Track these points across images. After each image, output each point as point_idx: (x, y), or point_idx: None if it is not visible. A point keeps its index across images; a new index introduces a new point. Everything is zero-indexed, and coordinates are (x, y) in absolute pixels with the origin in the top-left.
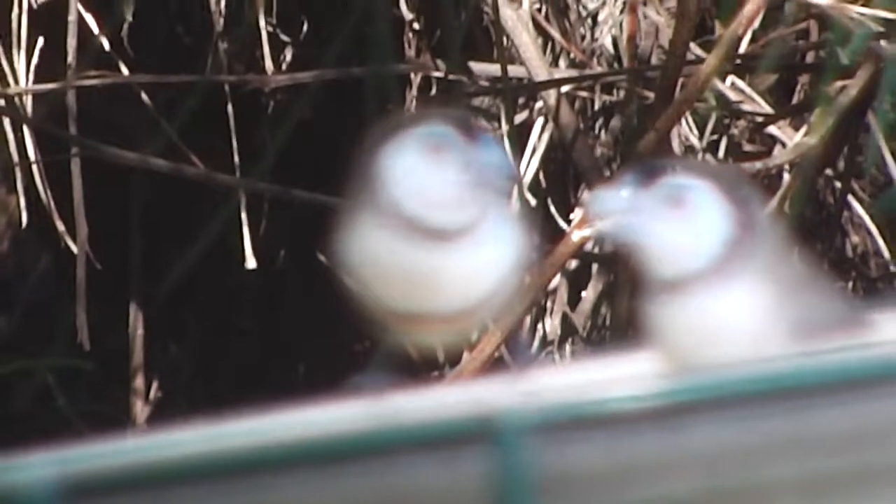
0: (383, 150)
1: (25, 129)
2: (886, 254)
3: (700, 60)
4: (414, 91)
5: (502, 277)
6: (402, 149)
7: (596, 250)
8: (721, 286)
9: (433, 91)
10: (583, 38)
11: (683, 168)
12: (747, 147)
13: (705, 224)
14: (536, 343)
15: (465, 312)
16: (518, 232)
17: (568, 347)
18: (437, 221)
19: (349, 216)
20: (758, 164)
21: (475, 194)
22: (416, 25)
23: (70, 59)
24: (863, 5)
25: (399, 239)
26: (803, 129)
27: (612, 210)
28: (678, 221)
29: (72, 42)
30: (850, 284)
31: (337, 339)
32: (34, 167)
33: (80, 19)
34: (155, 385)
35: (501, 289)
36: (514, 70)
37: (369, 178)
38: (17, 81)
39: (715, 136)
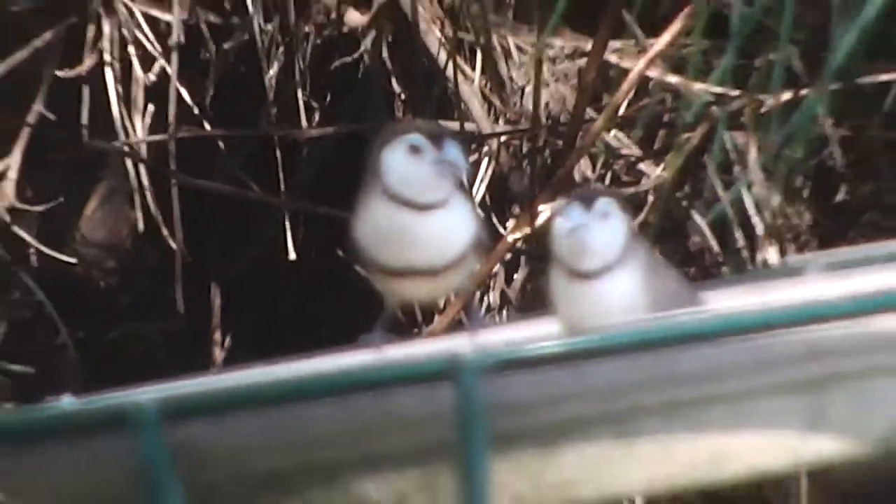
0: (381, 149)
1: (142, 167)
2: (717, 249)
3: (593, 120)
4: None
5: (466, 240)
6: (392, 149)
7: (524, 247)
8: (621, 273)
9: None
10: (514, 104)
11: (603, 192)
12: (624, 178)
13: (619, 231)
14: (484, 310)
15: (442, 268)
16: (474, 209)
17: (505, 313)
18: (417, 198)
19: (359, 202)
20: (631, 190)
21: (442, 180)
22: (402, 96)
23: (171, 118)
24: (701, 83)
25: (392, 210)
26: (661, 166)
27: (572, 220)
28: (606, 229)
29: (172, 107)
30: (692, 272)
31: (351, 310)
32: (147, 193)
33: (178, 92)
34: (228, 339)
35: (467, 250)
36: (469, 125)
37: (373, 171)
38: (135, 134)
39: (603, 171)
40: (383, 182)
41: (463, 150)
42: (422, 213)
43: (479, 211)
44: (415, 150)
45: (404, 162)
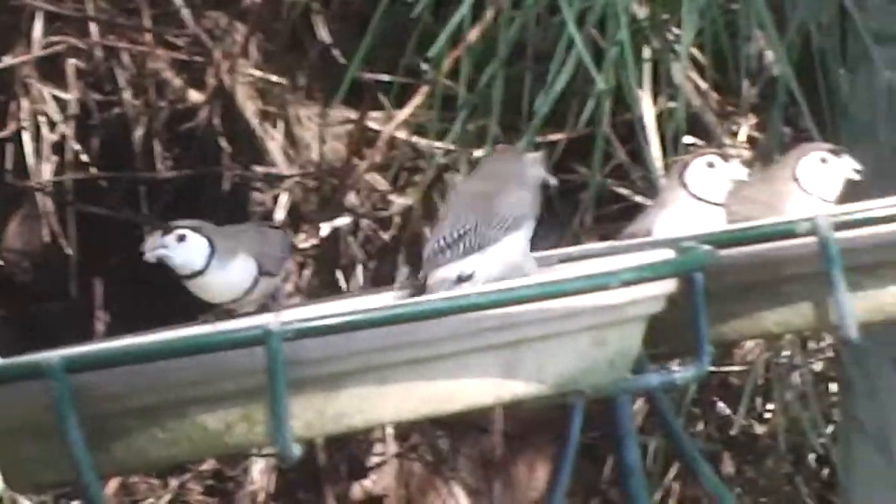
0: None
1: (48, 198)
2: None
3: (358, 166)
4: None
5: (246, 284)
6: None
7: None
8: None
9: None
10: (304, 155)
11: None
12: (378, 206)
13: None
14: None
15: (235, 302)
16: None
17: (297, 299)
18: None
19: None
20: (385, 213)
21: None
22: (228, 150)
23: (68, 165)
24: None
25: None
26: (404, 198)
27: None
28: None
29: (69, 157)
30: None
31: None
32: (51, 215)
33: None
34: (107, 316)
35: (250, 287)
36: (273, 170)
37: None
38: (44, 175)
39: (364, 201)
40: None
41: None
42: (191, 280)
43: (281, 227)
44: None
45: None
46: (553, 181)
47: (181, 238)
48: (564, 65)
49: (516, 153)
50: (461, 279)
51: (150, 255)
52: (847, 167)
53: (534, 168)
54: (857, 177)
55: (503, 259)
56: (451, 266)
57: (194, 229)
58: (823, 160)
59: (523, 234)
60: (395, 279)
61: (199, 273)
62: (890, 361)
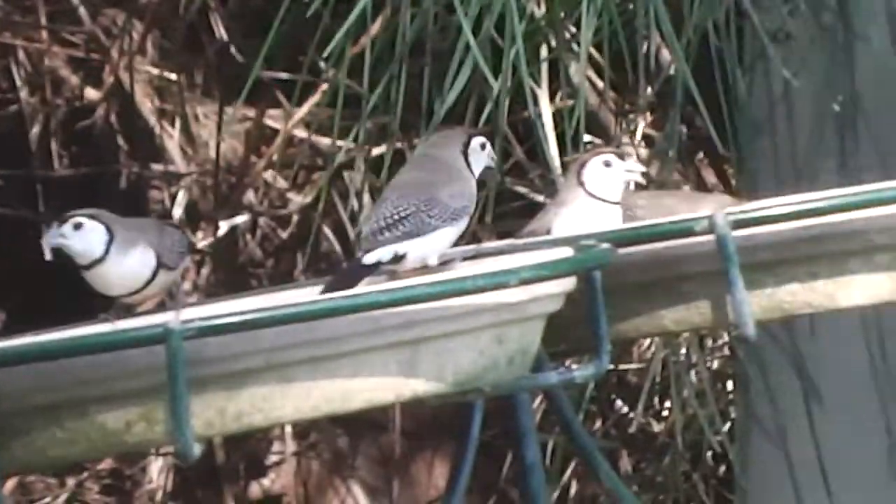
0: None
1: None
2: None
3: (255, 163)
4: None
5: (145, 275)
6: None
7: (208, 250)
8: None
9: None
10: (201, 152)
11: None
12: (276, 203)
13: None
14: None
15: (135, 293)
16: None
17: (195, 297)
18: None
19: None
20: (283, 211)
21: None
22: (125, 147)
23: None
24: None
25: None
26: (303, 195)
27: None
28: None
29: None
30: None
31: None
32: None
33: None
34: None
35: (149, 278)
36: (171, 167)
37: None
38: None
39: (261, 199)
40: None
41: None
42: (90, 270)
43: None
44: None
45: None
46: (492, 165)
47: (78, 226)
48: (462, 64)
49: (460, 137)
50: (396, 259)
51: (48, 246)
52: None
53: (478, 155)
54: (641, 179)
55: (437, 248)
56: (387, 248)
57: (91, 217)
58: (607, 163)
59: (459, 227)
60: (293, 278)
61: (99, 261)
62: (786, 359)
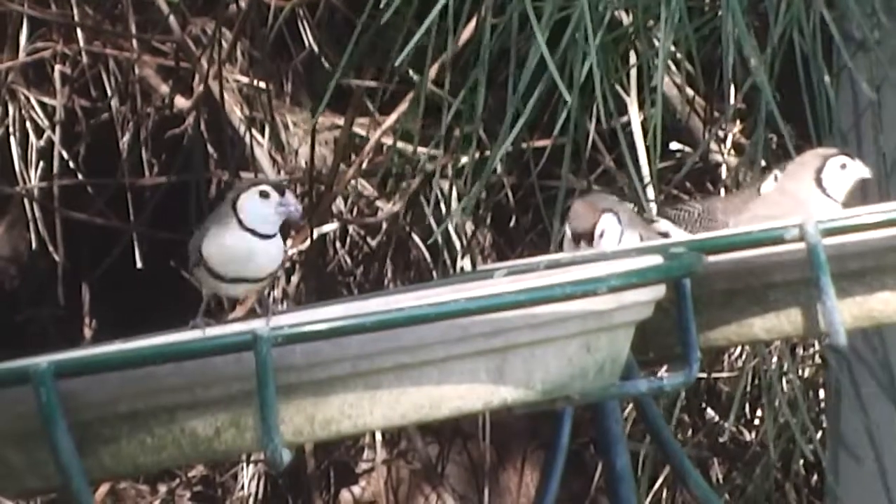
0: (237, 195)
1: (35, 204)
2: (429, 260)
3: (344, 171)
4: None
5: (280, 260)
6: (248, 195)
7: (300, 257)
8: None
9: None
10: (291, 161)
11: None
12: (365, 211)
13: None
14: (271, 301)
15: (264, 278)
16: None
17: (285, 304)
18: (262, 230)
19: (210, 230)
20: (371, 219)
21: (280, 218)
22: (214, 156)
23: (55, 170)
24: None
25: (244, 237)
26: (392, 203)
27: None
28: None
29: (56, 163)
30: (411, 276)
31: (180, 302)
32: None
33: (60, 152)
34: (94, 322)
35: (279, 267)
36: (261, 176)
37: (226, 210)
38: (30, 181)
39: (350, 206)
40: (238, 217)
41: (296, 199)
42: (263, 241)
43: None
44: (264, 195)
45: (258, 204)
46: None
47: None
48: (542, 72)
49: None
50: None
51: (280, 217)
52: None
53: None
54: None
55: None
56: None
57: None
58: (843, 165)
59: None
60: (383, 285)
61: (273, 235)
62: (877, 368)
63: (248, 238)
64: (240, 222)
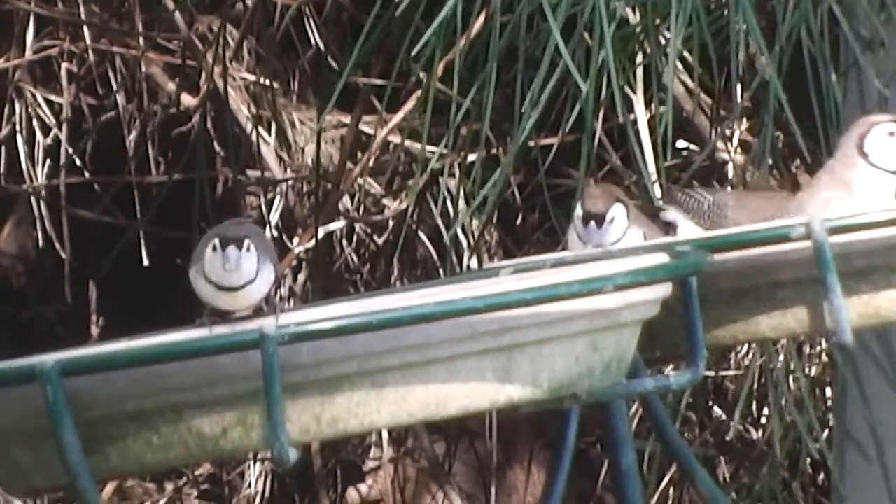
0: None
1: (41, 201)
2: (436, 259)
3: (351, 170)
4: None
5: (266, 288)
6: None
7: (305, 256)
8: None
9: None
10: (297, 159)
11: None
12: (372, 209)
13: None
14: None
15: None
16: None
17: (292, 303)
18: (225, 282)
19: (193, 258)
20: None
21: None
22: (221, 153)
23: (62, 168)
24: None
25: (206, 286)
26: (398, 201)
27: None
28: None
29: (62, 161)
30: (419, 274)
31: (186, 300)
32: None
33: (66, 150)
34: (101, 320)
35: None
36: (267, 173)
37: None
38: (37, 179)
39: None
40: (204, 270)
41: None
42: (227, 293)
43: (273, 231)
44: (214, 248)
45: (212, 257)
46: None
47: (248, 248)
48: (553, 70)
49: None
50: None
51: (230, 265)
52: None
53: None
54: None
55: None
56: None
57: (249, 237)
58: (892, 133)
59: None
60: (390, 283)
61: (249, 283)
62: (882, 366)
63: (212, 290)
64: (205, 274)
